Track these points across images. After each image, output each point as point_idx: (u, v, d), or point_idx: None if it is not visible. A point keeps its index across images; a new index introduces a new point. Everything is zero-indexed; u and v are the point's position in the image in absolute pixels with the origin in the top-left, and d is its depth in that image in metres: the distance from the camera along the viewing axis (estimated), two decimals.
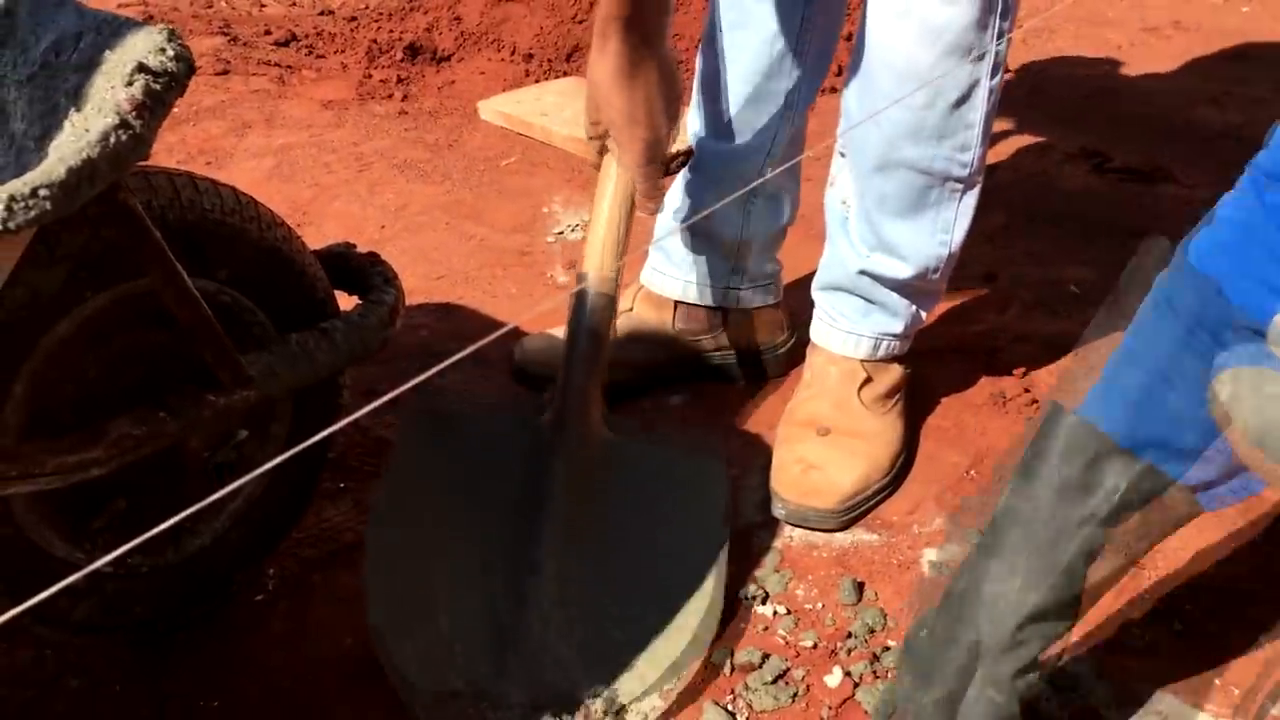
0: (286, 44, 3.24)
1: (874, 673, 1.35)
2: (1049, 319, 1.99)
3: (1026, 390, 1.81)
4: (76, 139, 0.79)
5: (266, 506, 1.42)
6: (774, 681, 1.35)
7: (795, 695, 1.33)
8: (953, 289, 2.09)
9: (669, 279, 1.81)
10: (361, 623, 1.34)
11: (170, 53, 0.90)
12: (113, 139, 0.79)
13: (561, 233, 2.33)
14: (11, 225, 0.72)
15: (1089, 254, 2.18)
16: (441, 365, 0.78)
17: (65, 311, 1.15)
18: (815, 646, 1.39)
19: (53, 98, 0.92)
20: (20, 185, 0.73)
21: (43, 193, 0.73)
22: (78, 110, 0.86)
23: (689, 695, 1.33)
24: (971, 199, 1.56)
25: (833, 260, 1.66)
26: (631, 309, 1.83)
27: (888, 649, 1.37)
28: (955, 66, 1.42)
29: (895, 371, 1.69)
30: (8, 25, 1.00)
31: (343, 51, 3.17)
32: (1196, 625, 1.36)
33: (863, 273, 1.61)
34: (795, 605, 1.45)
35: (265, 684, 1.35)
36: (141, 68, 0.88)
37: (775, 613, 1.44)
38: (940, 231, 1.56)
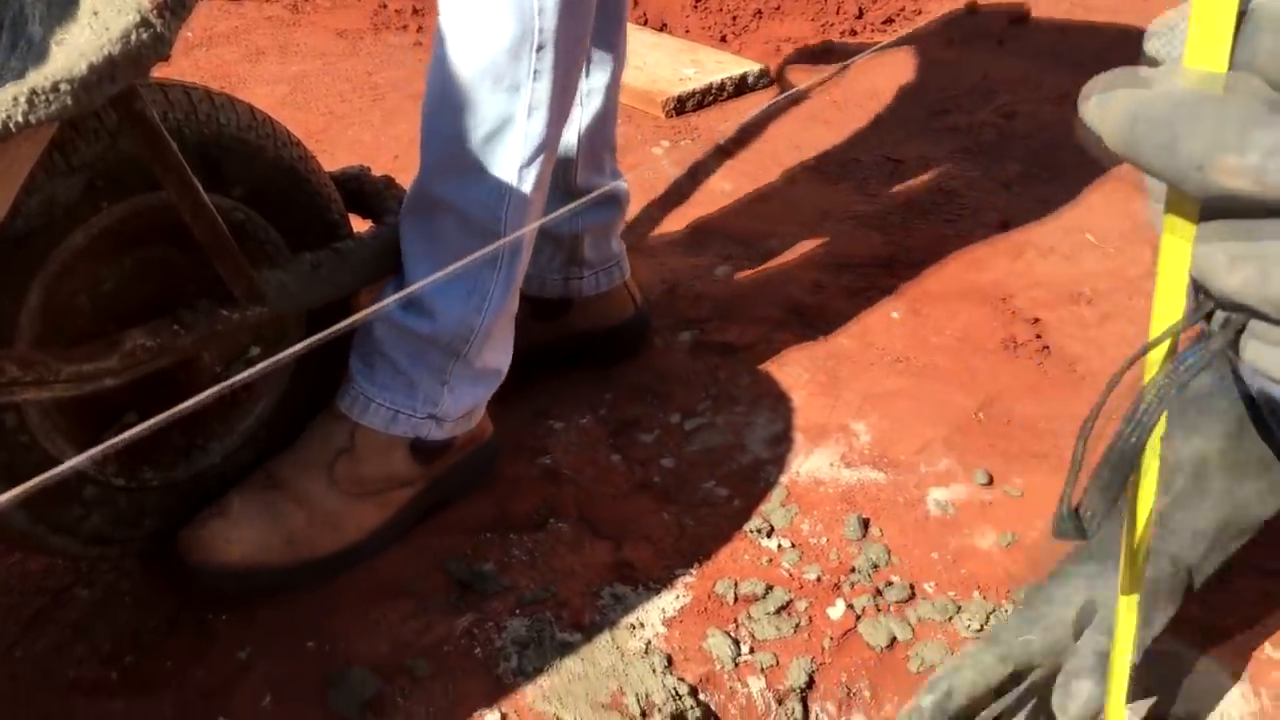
0: None
1: (876, 606, 1.36)
2: (1064, 266, 1.98)
3: (1038, 337, 1.81)
4: (97, 36, 0.78)
5: (277, 427, 1.43)
6: (777, 612, 1.36)
7: (797, 626, 1.35)
8: (967, 234, 2.09)
9: None
10: None
11: None
12: (133, 37, 0.79)
13: None
14: (32, 119, 0.71)
15: (1106, 203, 2.16)
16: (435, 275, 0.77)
17: (81, 222, 1.15)
18: (819, 580, 1.40)
19: (71, 1, 0.91)
20: (41, 80, 0.73)
21: (64, 87, 0.73)
22: (97, 12, 0.85)
23: (693, 623, 1.34)
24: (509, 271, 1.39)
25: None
26: None
27: (890, 584, 1.38)
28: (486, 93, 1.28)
29: (395, 456, 1.43)
30: None
31: None
32: None
33: (392, 325, 1.40)
34: (800, 539, 1.46)
35: (275, 600, 1.37)
36: None
37: (780, 546, 1.45)
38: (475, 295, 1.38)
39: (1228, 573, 1.33)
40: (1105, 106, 0.60)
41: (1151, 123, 0.58)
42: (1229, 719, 1.18)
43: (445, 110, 1.31)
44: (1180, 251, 0.63)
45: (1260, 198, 0.55)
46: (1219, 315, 0.64)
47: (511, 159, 1.32)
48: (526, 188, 1.33)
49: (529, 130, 1.31)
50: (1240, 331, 0.64)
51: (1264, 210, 0.56)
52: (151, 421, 0.69)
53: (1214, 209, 0.60)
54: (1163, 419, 0.70)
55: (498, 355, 1.47)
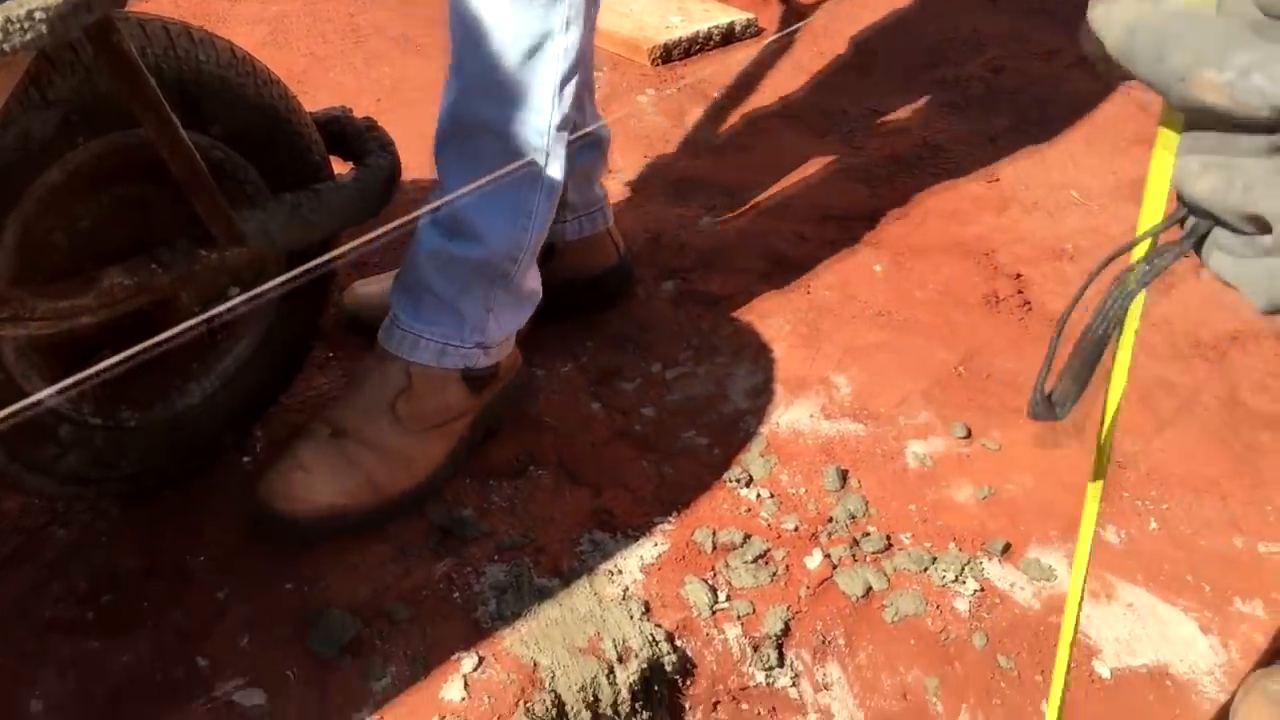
0: None
1: (853, 556, 1.37)
2: (1047, 223, 1.98)
3: (1020, 292, 1.81)
4: None
5: (256, 370, 1.42)
6: (754, 561, 1.37)
7: (774, 575, 1.36)
8: (951, 188, 2.08)
9: None
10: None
11: None
12: None
13: None
14: (6, 47, 0.70)
15: (1092, 160, 2.16)
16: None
17: (57, 158, 1.13)
18: (796, 530, 1.41)
19: None
20: (16, 8, 0.71)
21: (39, 15, 0.71)
22: None
23: (671, 571, 1.35)
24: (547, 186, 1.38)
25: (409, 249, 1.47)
26: None
27: (868, 535, 1.39)
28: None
29: (450, 389, 1.45)
30: None
31: None
32: (1173, 524, 1.38)
33: (438, 257, 1.41)
34: (779, 490, 1.47)
35: (254, 543, 1.37)
36: None
37: (758, 496, 1.46)
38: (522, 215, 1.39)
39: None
40: (1109, 14, 0.64)
41: (1146, 34, 0.61)
42: (1198, 670, 1.20)
43: (480, 31, 1.30)
44: (1166, 162, 0.68)
45: (1232, 113, 0.59)
46: (1190, 220, 0.68)
47: (551, 74, 1.31)
48: (566, 103, 1.33)
49: (567, 44, 1.31)
50: (1205, 238, 0.68)
51: (1235, 125, 0.60)
52: (117, 358, 0.69)
53: (1194, 121, 0.64)
54: (1135, 309, 0.74)
55: (535, 277, 1.48)
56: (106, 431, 1.29)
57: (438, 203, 0.67)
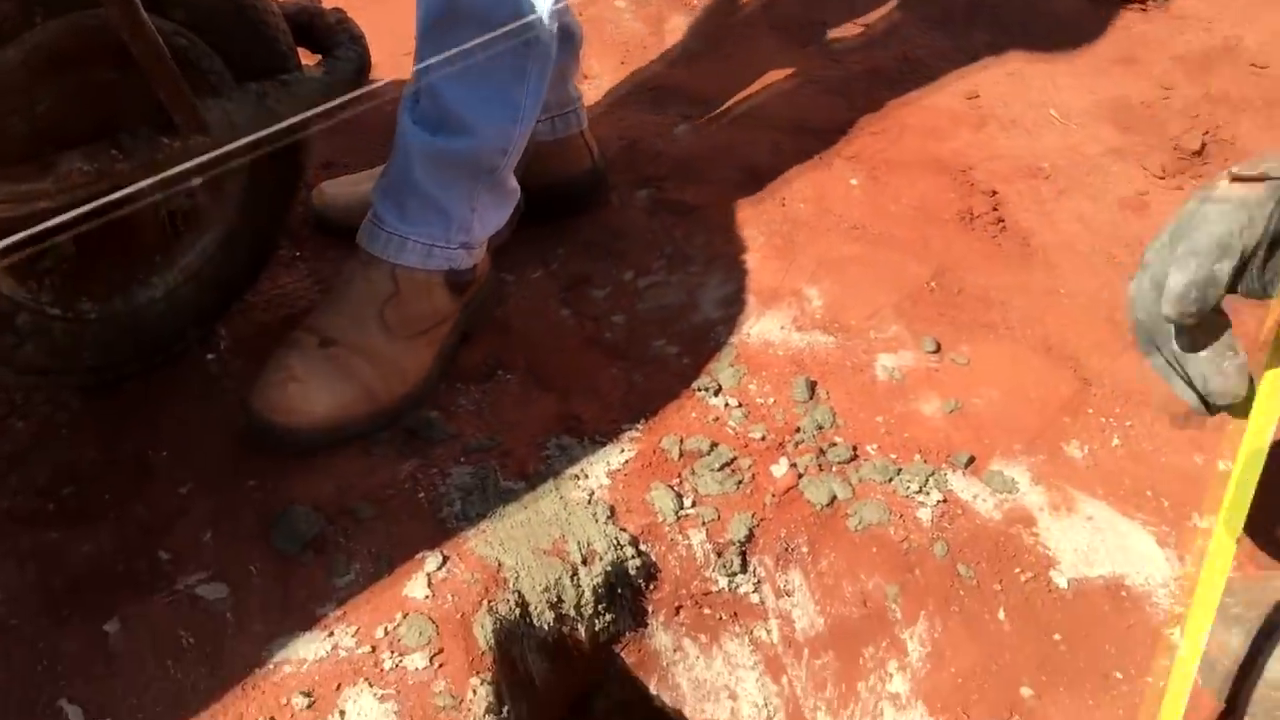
0: None
1: (819, 466, 1.37)
2: (1025, 140, 1.96)
3: (995, 209, 1.80)
4: None
5: (220, 266, 1.39)
6: (720, 469, 1.37)
7: (740, 483, 1.36)
8: (930, 105, 2.06)
9: None
10: None
11: None
12: None
13: None
14: None
15: (1072, 80, 2.14)
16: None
17: (14, 37, 1.10)
18: (764, 439, 1.41)
19: None
20: None
21: None
22: None
23: (637, 477, 1.35)
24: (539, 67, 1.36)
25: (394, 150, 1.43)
26: None
27: (834, 445, 1.39)
28: None
29: (435, 293, 1.45)
30: None
31: None
32: (1136, 441, 1.39)
33: (425, 154, 1.38)
34: (747, 400, 1.47)
35: (218, 439, 1.36)
36: None
37: (727, 405, 1.46)
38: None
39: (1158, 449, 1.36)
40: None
41: None
42: (1153, 582, 1.22)
43: None
44: None
45: None
46: None
47: None
48: None
49: None
50: None
51: None
52: (47, 224, 0.67)
53: None
54: None
55: (514, 176, 1.47)
56: (65, 322, 1.27)
57: (429, 62, 0.64)
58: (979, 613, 1.21)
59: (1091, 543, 1.27)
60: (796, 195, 1.83)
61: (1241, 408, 0.91)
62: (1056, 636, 1.17)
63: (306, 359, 1.36)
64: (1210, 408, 0.93)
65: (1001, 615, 1.20)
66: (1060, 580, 1.23)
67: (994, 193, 1.84)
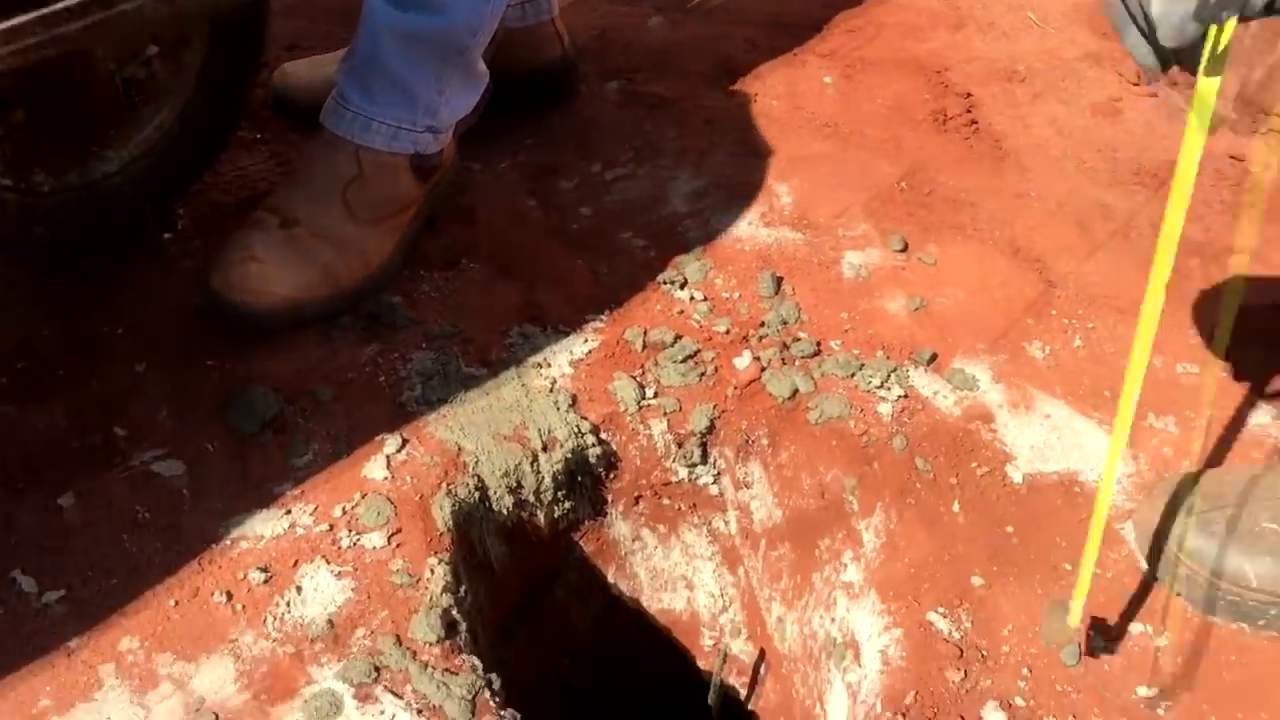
0: None
1: (782, 360, 1.37)
2: (1002, 43, 1.94)
3: (969, 111, 1.78)
4: None
5: (178, 143, 1.36)
6: (684, 361, 1.37)
7: (703, 375, 1.36)
8: (909, 3, 2.03)
9: None
10: None
11: None
12: None
13: None
14: None
15: None
16: None
17: None
18: (728, 333, 1.41)
19: None
20: None
21: None
22: None
23: (600, 367, 1.35)
24: None
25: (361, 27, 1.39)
26: None
27: (798, 340, 1.39)
28: None
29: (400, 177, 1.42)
30: None
31: None
32: (1097, 344, 1.40)
33: (394, 32, 1.35)
34: (713, 293, 1.46)
35: (175, 319, 1.34)
36: None
37: (692, 298, 1.45)
38: None
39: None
40: None
41: None
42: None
43: None
44: None
45: None
46: None
47: None
48: None
49: None
50: None
51: None
52: None
53: None
54: None
55: (482, 59, 1.43)
56: (19, 195, 1.25)
57: None
58: (934, 505, 1.22)
59: (1048, 440, 1.28)
60: (769, 91, 1.81)
61: (1191, 60, 0.85)
62: (1009, 529, 1.19)
63: (267, 239, 1.34)
64: (1162, 62, 0.87)
65: (956, 508, 1.21)
66: (1015, 475, 1.24)
67: (968, 95, 1.82)
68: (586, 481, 1.33)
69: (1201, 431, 1.28)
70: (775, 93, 1.80)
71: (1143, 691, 1.05)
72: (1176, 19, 0.82)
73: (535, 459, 1.27)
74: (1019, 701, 1.03)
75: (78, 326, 1.31)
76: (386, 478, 1.20)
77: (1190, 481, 1.15)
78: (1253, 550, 1.07)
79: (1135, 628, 1.09)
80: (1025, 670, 1.06)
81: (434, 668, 1.04)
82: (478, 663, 1.07)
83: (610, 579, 1.42)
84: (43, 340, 1.29)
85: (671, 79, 1.81)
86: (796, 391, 1.34)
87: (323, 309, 1.36)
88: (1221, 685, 1.04)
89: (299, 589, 1.09)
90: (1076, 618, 1.04)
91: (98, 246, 1.37)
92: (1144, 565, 1.14)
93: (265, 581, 1.09)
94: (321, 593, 1.09)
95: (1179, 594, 1.11)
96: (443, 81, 1.38)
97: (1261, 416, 1.29)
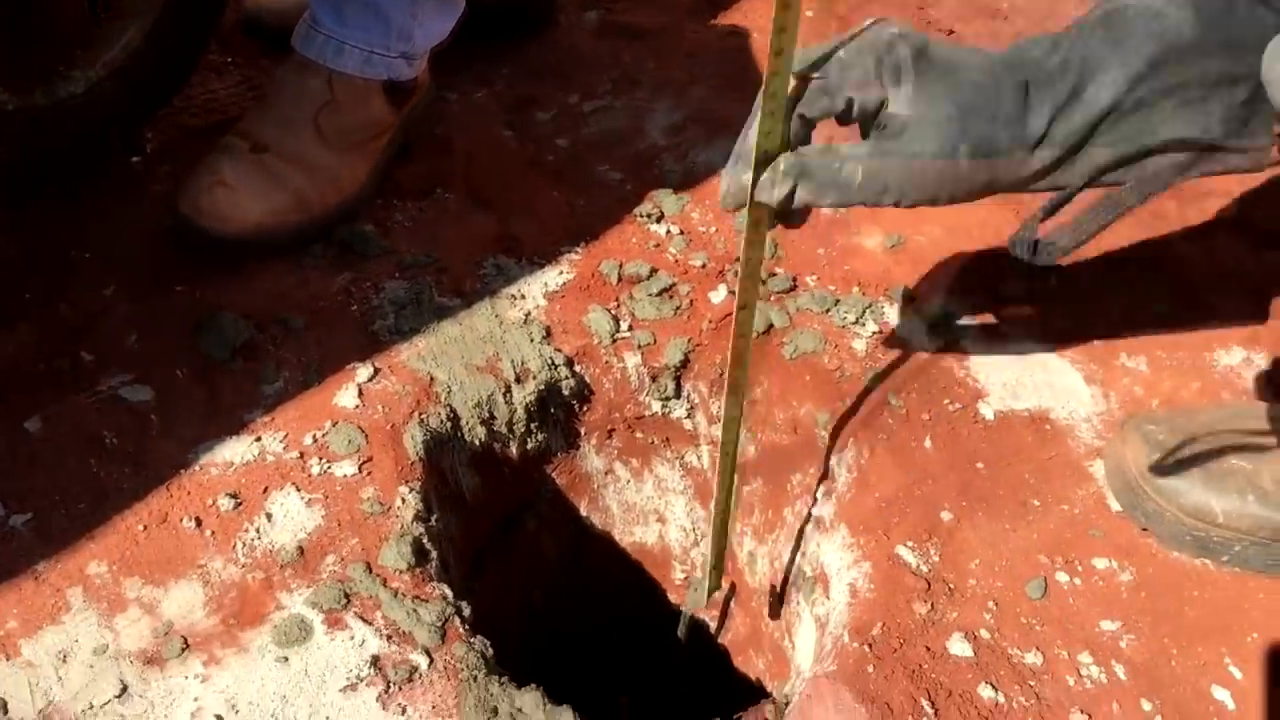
0: None
1: (759, 295, 1.36)
2: None
3: None
4: None
5: (146, 64, 1.33)
6: (659, 294, 1.36)
7: (678, 308, 1.35)
8: None
9: None
10: None
11: None
12: None
13: None
14: None
15: None
16: None
17: None
18: (704, 267, 1.40)
19: None
20: None
21: None
22: None
23: (574, 299, 1.34)
24: None
25: None
26: None
27: (774, 275, 1.38)
28: None
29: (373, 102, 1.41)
30: None
31: None
32: (1072, 283, 1.40)
33: None
34: (689, 227, 1.45)
35: (144, 244, 1.32)
36: None
37: (669, 232, 1.44)
38: None
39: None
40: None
41: None
42: (1077, 417, 1.24)
43: None
44: None
45: None
46: None
47: None
48: None
49: None
50: None
51: None
52: None
53: None
54: None
55: None
56: None
57: None
58: (906, 441, 1.22)
59: (1020, 377, 1.28)
60: (752, 24, 1.78)
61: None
62: (979, 465, 1.19)
63: (237, 164, 1.31)
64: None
65: (928, 443, 1.22)
66: (987, 412, 1.25)
67: (951, 31, 1.80)
68: (559, 414, 1.32)
69: (1172, 371, 1.28)
70: (758, 25, 1.78)
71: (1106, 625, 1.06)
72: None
73: (508, 390, 1.26)
74: (984, 634, 1.04)
75: (44, 250, 1.29)
76: (358, 406, 1.19)
77: (1160, 420, 1.15)
78: (1220, 488, 1.08)
79: (1100, 562, 1.10)
80: (991, 603, 1.07)
81: (404, 595, 1.04)
82: (448, 591, 1.07)
83: (583, 512, 1.42)
84: (8, 263, 1.27)
85: (651, 9, 1.79)
86: (771, 326, 1.34)
87: (293, 235, 1.34)
88: (1184, 619, 1.05)
89: (269, 515, 1.09)
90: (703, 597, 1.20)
91: (64, 169, 1.34)
92: (1112, 502, 1.15)
93: (235, 508, 1.09)
94: (291, 519, 1.09)
95: (1145, 529, 1.12)
96: (417, 5, 1.35)
97: (1231, 358, 1.29)
